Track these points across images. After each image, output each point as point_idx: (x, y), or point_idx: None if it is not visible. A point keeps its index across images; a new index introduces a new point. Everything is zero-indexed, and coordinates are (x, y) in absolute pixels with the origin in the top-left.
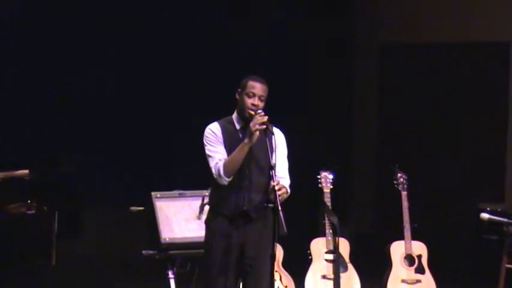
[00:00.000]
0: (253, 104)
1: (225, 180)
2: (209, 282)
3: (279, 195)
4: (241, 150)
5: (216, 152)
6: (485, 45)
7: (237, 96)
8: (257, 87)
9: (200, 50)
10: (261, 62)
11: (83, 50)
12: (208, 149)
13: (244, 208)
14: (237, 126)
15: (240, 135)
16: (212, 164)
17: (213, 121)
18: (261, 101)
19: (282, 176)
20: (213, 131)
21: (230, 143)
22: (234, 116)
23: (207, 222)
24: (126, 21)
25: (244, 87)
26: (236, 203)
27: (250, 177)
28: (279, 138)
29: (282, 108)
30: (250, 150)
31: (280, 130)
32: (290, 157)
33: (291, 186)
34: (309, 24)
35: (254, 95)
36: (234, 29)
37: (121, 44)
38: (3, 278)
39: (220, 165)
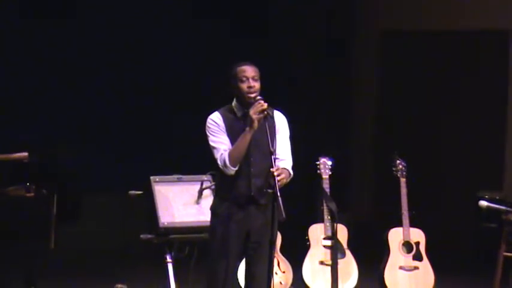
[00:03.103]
0: (249, 87)
1: (232, 170)
2: (213, 268)
3: (278, 181)
4: (244, 139)
5: (220, 143)
6: (484, 33)
7: (231, 87)
8: (247, 69)
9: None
10: (261, 50)
11: (82, 41)
12: (212, 140)
13: (252, 194)
14: (238, 114)
15: (242, 123)
16: (217, 155)
17: (214, 110)
18: (255, 80)
19: (284, 158)
20: (215, 121)
21: (232, 131)
22: (234, 103)
23: (212, 208)
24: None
25: (235, 75)
26: (243, 189)
27: (254, 163)
28: (280, 122)
29: (281, 94)
30: (252, 136)
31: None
32: (290, 143)
33: (293, 168)
34: (310, 11)
35: (247, 78)
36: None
37: (115, 34)
38: (2, 261)
39: (226, 155)
